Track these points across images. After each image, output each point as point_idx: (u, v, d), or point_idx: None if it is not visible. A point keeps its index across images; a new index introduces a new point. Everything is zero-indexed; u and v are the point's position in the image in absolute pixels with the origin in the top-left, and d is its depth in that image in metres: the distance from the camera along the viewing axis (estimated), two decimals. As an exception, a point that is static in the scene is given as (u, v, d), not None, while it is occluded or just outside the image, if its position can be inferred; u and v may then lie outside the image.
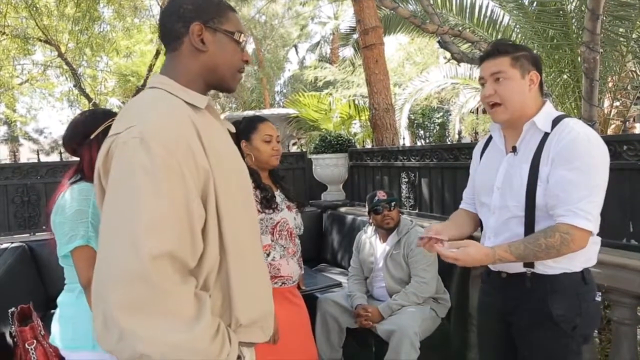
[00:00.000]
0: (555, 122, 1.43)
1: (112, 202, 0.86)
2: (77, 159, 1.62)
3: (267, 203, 1.88)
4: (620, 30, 3.89)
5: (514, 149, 1.50)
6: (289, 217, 1.97)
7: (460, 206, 1.81)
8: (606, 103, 4.56)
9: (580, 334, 1.44)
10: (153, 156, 0.84)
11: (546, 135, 1.42)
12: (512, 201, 1.47)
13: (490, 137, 1.65)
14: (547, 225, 1.38)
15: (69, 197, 1.49)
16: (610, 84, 4.37)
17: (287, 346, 1.77)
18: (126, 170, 0.85)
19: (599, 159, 1.37)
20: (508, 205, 1.48)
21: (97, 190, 0.97)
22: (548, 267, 1.44)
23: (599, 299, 1.49)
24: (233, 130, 1.18)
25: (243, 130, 1.96)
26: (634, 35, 3.90)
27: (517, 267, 1.49)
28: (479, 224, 1.69)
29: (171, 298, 0.83)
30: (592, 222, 1.33)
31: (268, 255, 1.88)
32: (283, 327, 1.74)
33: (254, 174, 1.91)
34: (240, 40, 1.06)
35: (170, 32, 1.03)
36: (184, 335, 0.82)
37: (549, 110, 1.48)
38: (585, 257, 1.45)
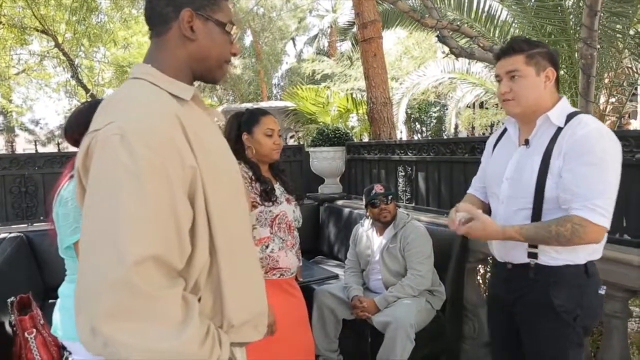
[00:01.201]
0: (570, 117, 1.45)
1: (93, 204, 0.82)
2: (78, 149, 1.63)
3: (266, 196, 1.89)
4: (618, 26, 3.91)
5: (527, 142, 1.52)
6: (288, 209, 1.99)
7: (469, 191, 1.84)
8: (602, 99, 4.59)
9: (581, 325, 1.47)
10: (135, 155, 0.79)
11: (559, 129, 1.44)
12: (521, 192, 1.49)
13: (505, 130, 1.68)
14: (554, 218, 1.41)
15: (73, 189, 1.49)
16: (606, 80, 4.39)
17: (285, 337, 1.80)
18: (107, 171, 0.81)
19: (613, 154, 1.38)
20: (517, 196, 1.50)
21: (78, 189, 0.94)
22: (552, 258, 1.46)
23: (602, 292, 1.50)
24: (222, 119, 1.15)
25: (245, 123, 1.96)
26: (630, 32, 3.92)
27: (522, 258, 1.52)
28: (487, 211, 1.71)
29: (157, 303, 0.79)
30: (607, 218, 1.35)
31: (267, 247, 1.90)
32: (281, 318, 1.77)
33: (253, 167, 1.92)
34: (232, 32, 1.02)
35: (159, 15, 0.98)
36: (172, 341, 0.79)
37: (564, 106, 1.49)
38: (590, 250, 1.47)
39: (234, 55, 1.06)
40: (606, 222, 1.35)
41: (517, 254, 1.53)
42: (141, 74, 0.96)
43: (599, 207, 1.33)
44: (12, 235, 3.06)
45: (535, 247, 1.48)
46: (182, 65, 0.99)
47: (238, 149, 1.89)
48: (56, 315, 1.58)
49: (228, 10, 1.03)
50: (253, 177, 1.89)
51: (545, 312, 1.48)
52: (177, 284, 0.85)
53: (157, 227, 0.81)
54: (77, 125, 1.59)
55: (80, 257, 0.83)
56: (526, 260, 1.51)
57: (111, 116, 0.85)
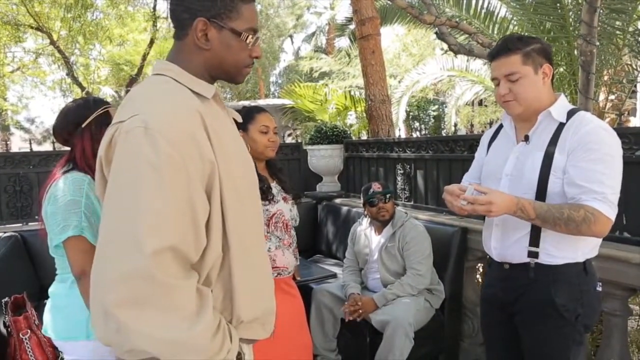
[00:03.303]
0: (571, 113, 1.45)
1: (114, 195, 0.85)
2: (69, 148, 1.60)
3: (262, 194, 1.87)
4: (617, 23, 3.89)
5: (526, 138, 1.51)
6: (285, 208, 1.97)
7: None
8: (601, 96, 4.58)
9: (582, 324, 1.47)
10: (157, 148, 0.82)
11: (561, 125, 1.44)
12: (522, 188, 1.47)
13: (500, 127, 1.66)
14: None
15: (62, 186, 1.47)
16: (605, 77, 4.38)
17: (283, 336, 1.78)
18: (129, 162, 0.83)
19: (616, 150, 1.39)
20: (518, 193, 1.48)
21: (98, 179, 0.95)
22: (552, 257, 1.46)
23: (599, 289, 1.52)
24: (240, 119, 1.15)
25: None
26: (630, 29, 3.90)
27: (521, 258, 1.51)
28: None
29: (173, 293, 0.81)
30: (615, 212, 1.36)
31: (263, 246, 1.88)
32: (278, 318, 1.74)
33: (249, 165, 1.90)
34: (247, 41, 1.00)
35: (178, 20, 0.99)
36: (184, 332, 0.81)
37: (564, 103, 1.50)
38: (589, 247, 1.47)
39: (256, 58, 1.05)
40: (614, 216, 1.36)
41: (516, 253, 1.52)
42: (163, 70, 0.98)
43: (609, 200, 1.35)
44: (7, 234, 3.03)
45: (537, 246, 1.47)
46: (200, 70, 1.00)
47: None
48: (47, 316, 1.55)
49: (248, 15, 1.00)
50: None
51: (547, 311, 1.47)
52: (192, 275, 0.88)
53: (175, 219, 0.83)
54: (67, 124, 1.56)
55: (98, 244, 0.84)
56: (526, 259, 1.49)
57: (136, 109, 0.88)
